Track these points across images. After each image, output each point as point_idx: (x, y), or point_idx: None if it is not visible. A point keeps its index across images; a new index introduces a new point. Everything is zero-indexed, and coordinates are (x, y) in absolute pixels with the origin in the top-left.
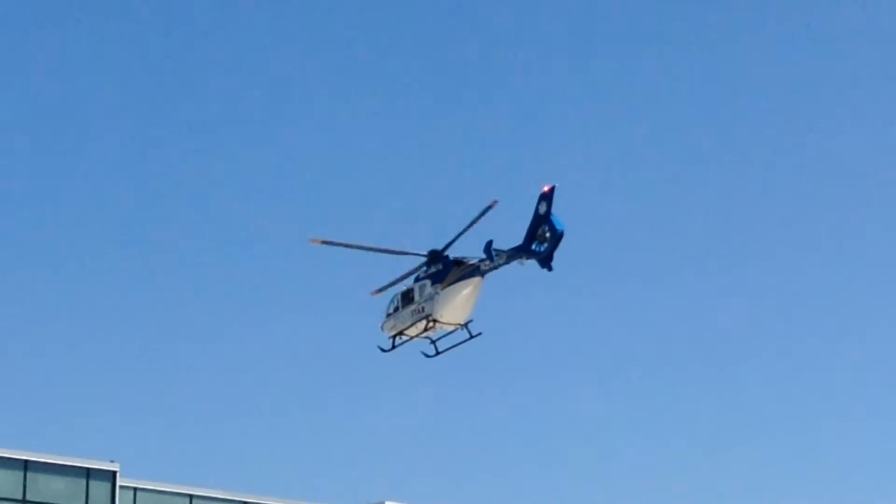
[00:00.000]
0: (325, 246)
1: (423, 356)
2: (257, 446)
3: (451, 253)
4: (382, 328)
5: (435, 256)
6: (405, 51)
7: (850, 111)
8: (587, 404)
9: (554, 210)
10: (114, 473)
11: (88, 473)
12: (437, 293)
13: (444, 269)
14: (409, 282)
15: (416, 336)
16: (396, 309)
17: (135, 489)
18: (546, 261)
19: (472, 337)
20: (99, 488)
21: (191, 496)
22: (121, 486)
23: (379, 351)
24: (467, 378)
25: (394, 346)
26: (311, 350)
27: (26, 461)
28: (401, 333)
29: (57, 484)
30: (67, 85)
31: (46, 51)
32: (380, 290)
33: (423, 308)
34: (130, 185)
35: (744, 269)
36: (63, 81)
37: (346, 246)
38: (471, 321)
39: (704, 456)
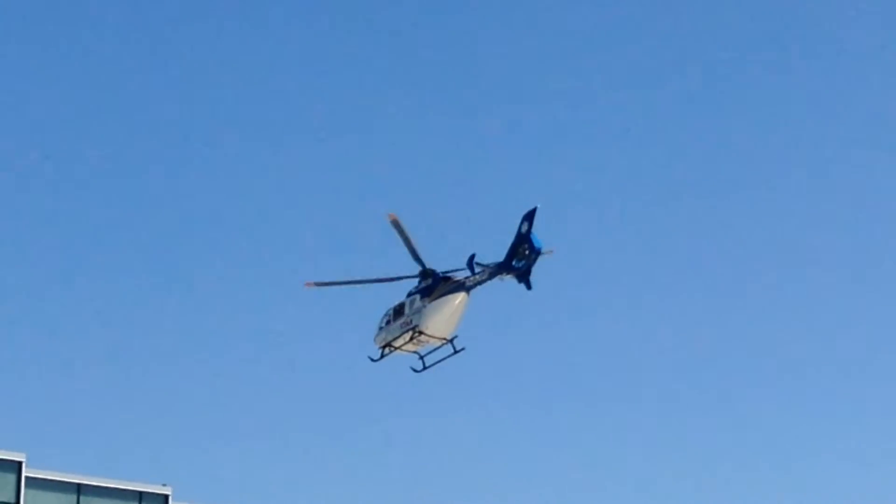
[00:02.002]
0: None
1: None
2: (308, 468)
3: (443, 270)
4: (375, 340)
5: (426, 273)
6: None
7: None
8: (574, 425)
9: (535, 230)
10: (166, 497)
11: (140, 497)
12: (424, 306)
13: (433, 283)
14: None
15: (403, 347)
16: (388, 322)
17: None
18: (524, 276)
19: (456, 352)
20: None
21: None
22: None
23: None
24: (462, 399)
25: (382, 357)
26: (359, 376)
27: (79, 484)
28: (389, 345)
29: None
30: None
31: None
32: (316, 283)
33: (410, 320)
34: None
35: (726, 291)
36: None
37: (340, 284)
38: (456, 337)
39: (690, 473)
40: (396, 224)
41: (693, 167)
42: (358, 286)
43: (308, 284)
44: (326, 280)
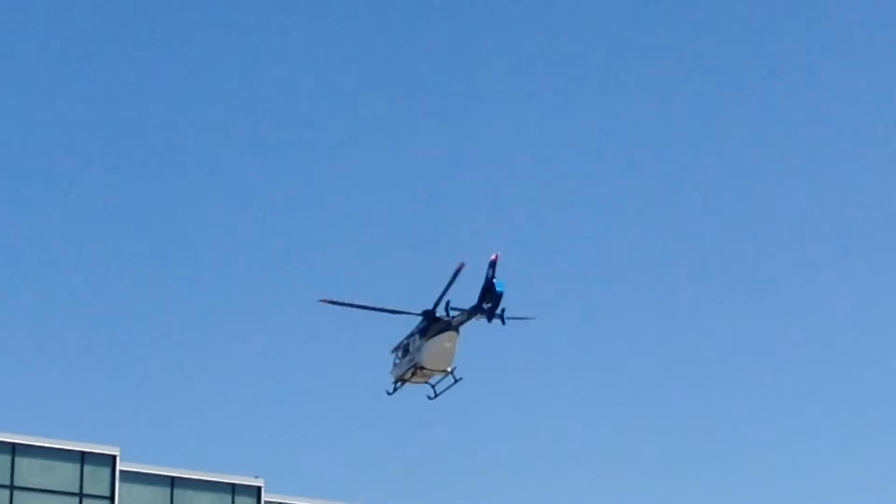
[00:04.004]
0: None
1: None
2: (398, 460)
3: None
4: (391, 375)
5: (425, 314)
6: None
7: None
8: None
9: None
10: (259, 489)
11: (233, 489)
12: (422, 345)
13: (428, 324)
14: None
15: (412, 380)
16: (399, 359)
17: None
18: (491, 315)
19: (456, 381)
20: None
21: None
22: (266, 502)
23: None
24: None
25: (395, 390)
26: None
27: (173, 477)
28: (401, 379)
29: (203, 500)
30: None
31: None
32: (332, 302)
33: (412, 358)
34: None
35: (727, 299)
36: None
37: (353, 306)
38: (455, 368)
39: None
40: (457, 271)
41: (690, 173)
42: (369, 311)
43: (323, 301)
44: (340, 300)
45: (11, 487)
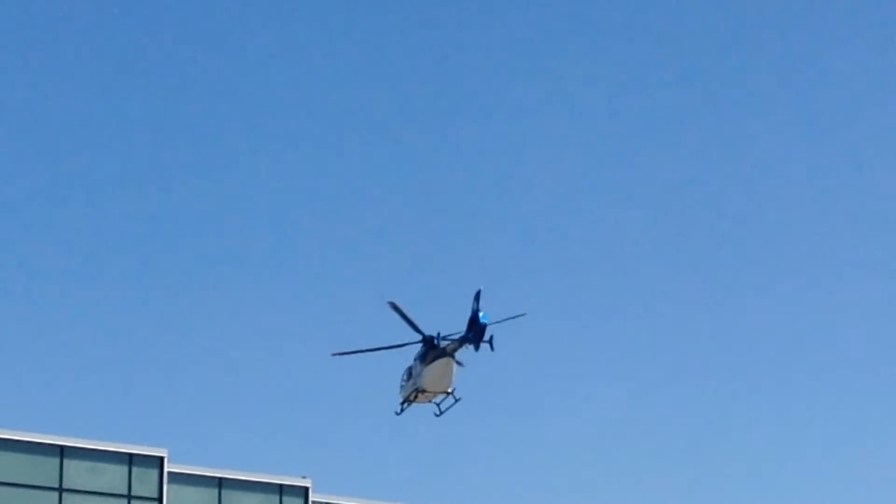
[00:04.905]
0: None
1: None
2: (446, 461)
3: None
4: (399, 396)
5: (424, 340)
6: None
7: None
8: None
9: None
10: (306, 489)
11: (281, 490)
12: (422, 370)
13: (426, 350)
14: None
15: (415, 401)
16: (405, 381)
17: None
18: (477, 344)
19: (456, 401)
20: None
21: None
22: (313, 502)
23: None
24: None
25: (402, 410)
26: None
27: (220, 478)
28: (407, 400)
29: (250, 500)
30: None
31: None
32: (340, 353)
33: (415, 381)
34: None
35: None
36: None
37: (362, 352)
38: (454, 389)
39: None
40: (395, 307)
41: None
42: (377, 352)
43: (334, 354)
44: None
45: (60, 490)
